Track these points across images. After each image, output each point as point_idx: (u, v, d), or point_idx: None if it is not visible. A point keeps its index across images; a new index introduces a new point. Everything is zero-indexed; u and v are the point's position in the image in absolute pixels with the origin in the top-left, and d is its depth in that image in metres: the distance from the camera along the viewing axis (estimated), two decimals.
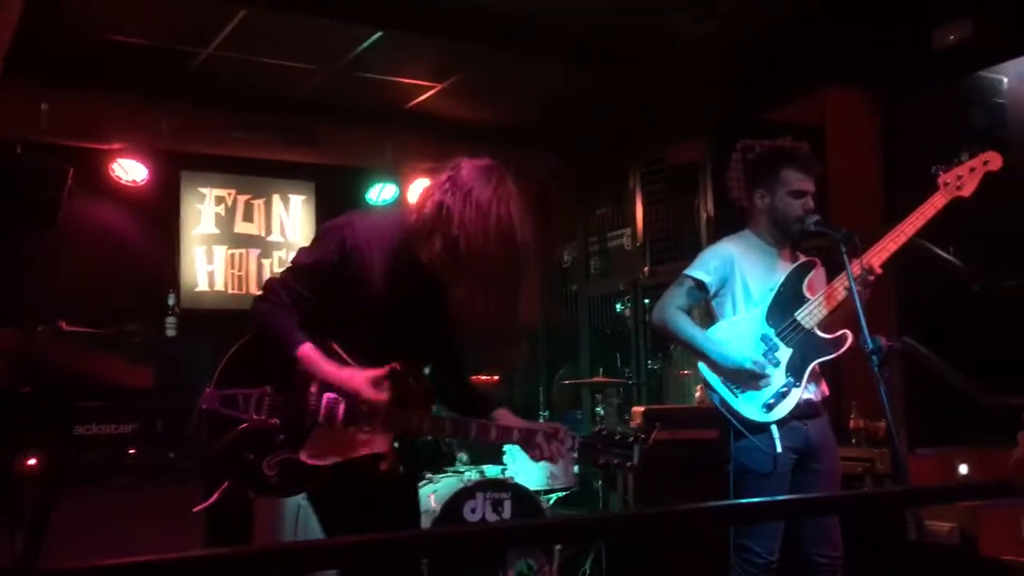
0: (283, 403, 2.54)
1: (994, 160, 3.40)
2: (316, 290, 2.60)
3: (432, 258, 2.44)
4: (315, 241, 2.71)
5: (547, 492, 5.39)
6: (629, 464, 2.59)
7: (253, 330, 2.63)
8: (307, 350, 2.51)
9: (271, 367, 2.55)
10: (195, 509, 2.55)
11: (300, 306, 2.59)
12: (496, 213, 2.41)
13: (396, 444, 2.60)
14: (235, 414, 2.51)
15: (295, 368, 2.52)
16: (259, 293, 2.67)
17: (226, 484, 2.53)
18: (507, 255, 2.42)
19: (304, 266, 2.63)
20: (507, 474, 5.14)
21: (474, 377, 7.31)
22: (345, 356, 2.59)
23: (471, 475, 4.93)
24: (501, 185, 2.47)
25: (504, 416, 2.70)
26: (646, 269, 6.54)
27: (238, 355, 2.64)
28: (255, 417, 2.51)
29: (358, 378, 2.51)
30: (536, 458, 2.62)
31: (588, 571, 5.28)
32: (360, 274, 2.56)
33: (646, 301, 6.44)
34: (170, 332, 6.07)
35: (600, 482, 5.51)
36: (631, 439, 2.60)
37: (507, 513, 4.84)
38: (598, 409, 5.71)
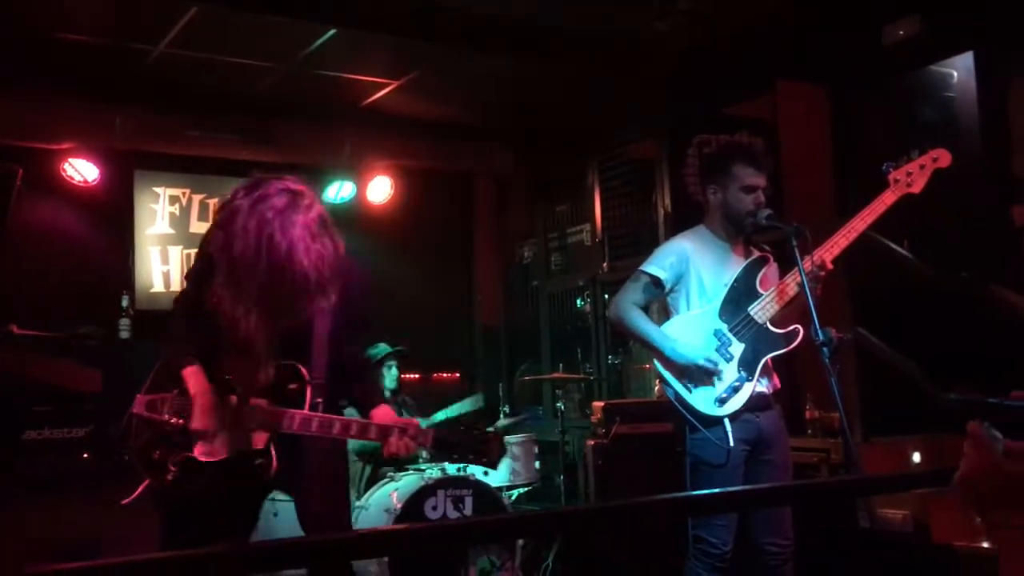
0: (185, 404, 2.74)
1: (943, 157, 3.45)
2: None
3: (209, 243, 2.68)
4: None
5: (509, 488, 5.41)
6: (486, 461, 2.72)
7: None
8: (189, 374, 2.75)
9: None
10: (122, 502, 2.77)
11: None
12: (268, 232, 2.55)
13: (271, 442, 2.75)
14: (154, 416, 2.75)
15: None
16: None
17: (146, 482, 2.75)
18: (269, 273, 2.55)
19: (192, 272, 2.96)
20: (468, 471, 5.14)
21: (437, 375, 7.37)
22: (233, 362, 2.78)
23: (432, 473, 4.93)
24: (291, 209, 2.61)
25: (379, 413, 2.82)
26: (605, 264, 6.58)
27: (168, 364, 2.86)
28: (164, 418, 2.74)
29: (198, 403, 2.71)
30: (385, 453, 2.74)
31: (550, 565, 5.31)
32: None
33: (605, 296, 6.47)
34: (124, 334, 5.99)
35: (562, 477, 5.54)
36: (490, 434, 2.73)
37: (468, 510, 4.84)
38: (559, 405, 5.73)
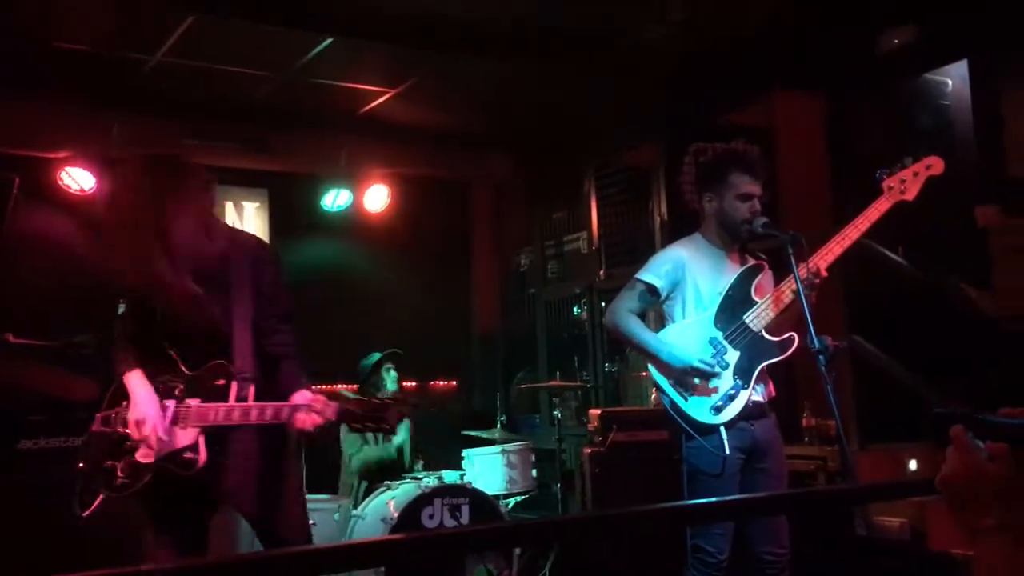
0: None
1: (936, 165, 3.46)
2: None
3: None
4: None
5: (506, 496, 5.40)
6: (387, 427, 2.94)
7: None
8: (128, 378, 2.95)
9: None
10: (84, 513, 2.91)
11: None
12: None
13: (202, 436, 2.91)
14: (106, 430, 2.97)
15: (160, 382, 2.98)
16: None
17: (101, 496, 2.90)
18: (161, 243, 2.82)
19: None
20: (465, 479, 5.14)
21: (433, 382, 7.36)
22: (179, 362, 2.98)
23: (429, 481, 4.93)
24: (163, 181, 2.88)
25: (296, 396, 2.95)
26: (602, 272, 6.58)
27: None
28: (115, 429, 2.95)
29: (137, 410, 2.89)
30: (292, 428, 2.91)
31: (547, 574, 5.30)
32: None
33: (602, 304, 6.47)
34: None
35: (559, 485, 5.54)
36: (389, 402, 2.95)
37: (465, 518, 4.84)
38: (556, 412, 5.73)
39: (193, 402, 2.92)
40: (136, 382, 2.94)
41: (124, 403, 2.96)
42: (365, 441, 5.52)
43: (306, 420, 2.88)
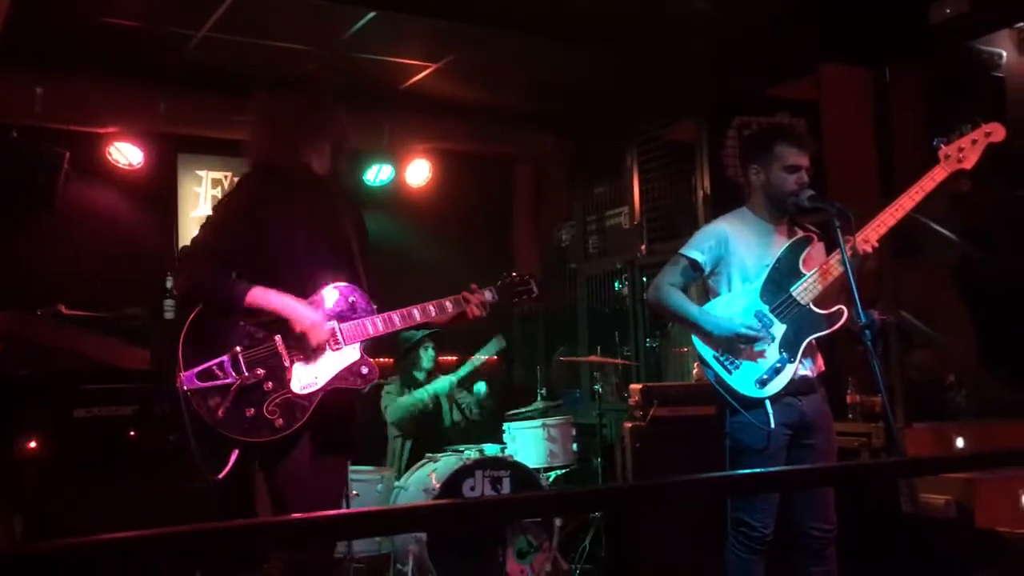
0: (259, 355, 2.78)
1: (997, 131, 3.33)
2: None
3: None
4: None
5: (546, 470, 5.43)
6: (534, 295, 3.31)
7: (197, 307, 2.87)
8: (254, 294, 2.77)
9: (228, 333, 2.78)
10: (219, 476, 2.72)
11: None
12: None
13: (363, 349, 2.92)
14: (219, 383, 2.71)
15: (251, 322, 2.80)
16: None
17: (236, 452, 2.74)
18: None
19: None
20: (506, 452, 5.17)
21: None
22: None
23: (470, 453, 4.97)
24: None
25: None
26: (643, 247, 6.55)
27: (191, 335, 2.83)
28: (245, 375, 2.73)
29: (303, 320, 2.80)
30: (465, 319, 3.13)
31: (588, 547, 5.32)
32: None
33: (644, 279, 6.45)
34: (169, 315, 6.07)
35: (599, 459, 5.55)
36: (528, 277, 3.34)
37: (506, 491, 4.87)
38: (596, 387, 5.73)
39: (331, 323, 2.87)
40: (275, 296, 2.78)
41: (237, 348, 2.76)
42: (400, 393, 5.61)
43: (473, 308, 3.10)
